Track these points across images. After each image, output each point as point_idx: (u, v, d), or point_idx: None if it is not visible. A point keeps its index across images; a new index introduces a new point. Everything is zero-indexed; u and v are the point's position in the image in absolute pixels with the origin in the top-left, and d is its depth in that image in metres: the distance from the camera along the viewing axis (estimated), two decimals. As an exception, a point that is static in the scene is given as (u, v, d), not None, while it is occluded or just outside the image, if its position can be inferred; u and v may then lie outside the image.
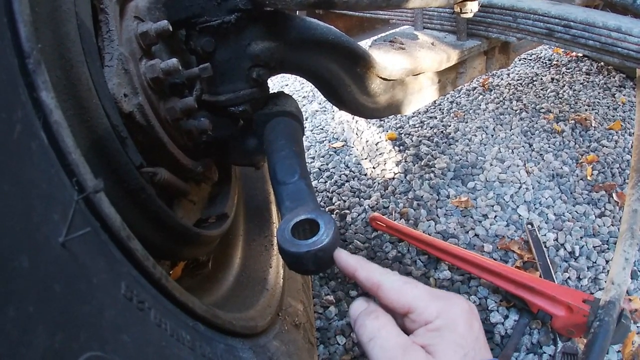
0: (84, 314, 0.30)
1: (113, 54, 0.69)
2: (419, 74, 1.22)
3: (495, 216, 1.70)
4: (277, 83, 3.22)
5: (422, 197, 1.82)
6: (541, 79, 2.66)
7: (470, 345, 0.49)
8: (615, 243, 1.52)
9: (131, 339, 0.33)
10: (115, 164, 0.63)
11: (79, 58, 0.60)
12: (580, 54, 2.86)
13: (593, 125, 2.16)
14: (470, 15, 1.16)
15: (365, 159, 2.17)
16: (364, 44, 1.20)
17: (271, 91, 0.97)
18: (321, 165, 2.17)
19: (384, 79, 1.09)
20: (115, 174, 0.63)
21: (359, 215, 1.80)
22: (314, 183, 2.04)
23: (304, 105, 2.84)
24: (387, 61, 1.08)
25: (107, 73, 0.68)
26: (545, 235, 1.58)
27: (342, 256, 0.57)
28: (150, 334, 0.37)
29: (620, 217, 1.59)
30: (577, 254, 1.51)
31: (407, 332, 0.53)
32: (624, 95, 2.39)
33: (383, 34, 1.38)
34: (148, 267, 0.42)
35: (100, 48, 0.69)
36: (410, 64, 1.14)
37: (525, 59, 2.97)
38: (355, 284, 0.58)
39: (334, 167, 2.14)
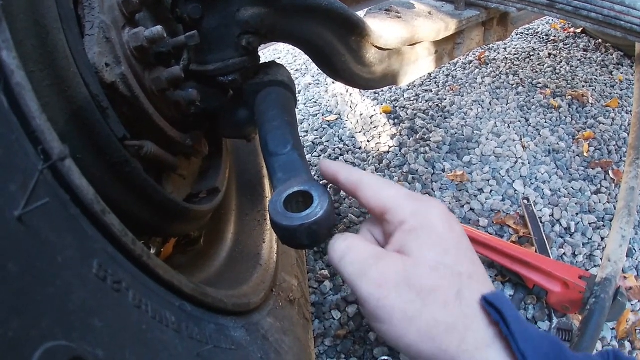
0: (46, 297, 0.26)
1: (94, 22, 0.65)
2: (416, 43, 1.18)
3: (491, 190, 1.68)
4: (269, 57, 3.15)
5: (417, 170, 1.80)
6: (538, 54, 2.61)
7: (451, 244, 0.45)
8: (610, 220, 1.51)
9: (104, 323, 0.30)
10: (96, 136, 0.60)
11: (55, 25, 0.57)
12: (578, 30, 2.82)
13: (590, 101, 2.13)
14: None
15: (360, 132, 2.13)
16: (359, 15, 1.16)
17: (262, 63, 0.93)
18: (315, 139, 2.14)
19: (380, 48, 1.05)
20: (96, 146, 0.60)
21: (353, 190, 1.78)
22: (307, 157, 2.01)
23: (297, 78, 2.78)
24: (383, 30, 1.04)
25: (87, 42, 0.64)
26: (541, 210, 1.57)
27: (325, 162, 0.55)
28: (128, 317, 0.34)
29: (616, 195, 1.58)
30: (572, 230, 1.50)
31: (387, 239, 0.50)
32: (621, 73, 2.36)
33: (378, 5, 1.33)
34: (127, 243, 0.38)
35: (80, 17, 0.66)
36: (407, 33, 1.10)
37: (522, 33, 2.92)
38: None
39: (327, 141, 2.11)
